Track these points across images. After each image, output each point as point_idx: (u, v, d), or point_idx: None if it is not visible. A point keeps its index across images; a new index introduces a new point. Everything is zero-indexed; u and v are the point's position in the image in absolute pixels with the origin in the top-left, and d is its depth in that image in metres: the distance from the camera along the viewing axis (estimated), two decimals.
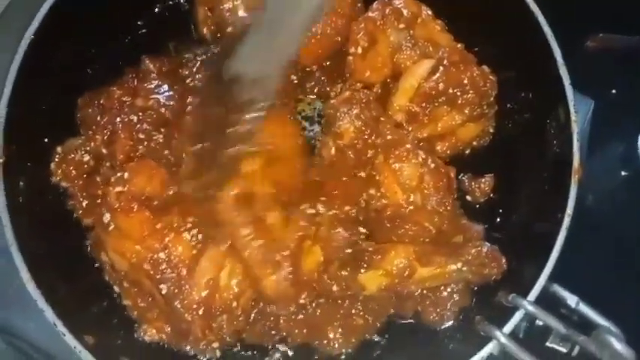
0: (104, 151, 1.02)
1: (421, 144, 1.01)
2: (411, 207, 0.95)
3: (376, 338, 1.01)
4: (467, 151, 1.09)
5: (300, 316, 0.99)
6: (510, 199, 1.08)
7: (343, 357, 1.00)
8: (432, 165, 0.97)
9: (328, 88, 1.11)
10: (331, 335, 0.98)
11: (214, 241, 0.91)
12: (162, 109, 1.02)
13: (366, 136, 0.96)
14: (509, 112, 1.09)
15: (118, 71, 1.08)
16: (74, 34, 1.05)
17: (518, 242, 1.00)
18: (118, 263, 0.94)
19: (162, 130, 1.01)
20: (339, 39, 1.05)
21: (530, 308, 0.88)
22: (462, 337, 0.97)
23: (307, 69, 1.11)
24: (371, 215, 0.98)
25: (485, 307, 0.97)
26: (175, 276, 0.90)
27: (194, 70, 1.06)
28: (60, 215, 1.02)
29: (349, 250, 0.93)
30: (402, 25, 1.04)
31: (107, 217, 0.92)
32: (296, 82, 1.10)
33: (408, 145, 0.97)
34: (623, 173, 1.26)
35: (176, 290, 0.90)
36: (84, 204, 1.02)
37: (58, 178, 1.02)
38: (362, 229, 0.97)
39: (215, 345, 0.96)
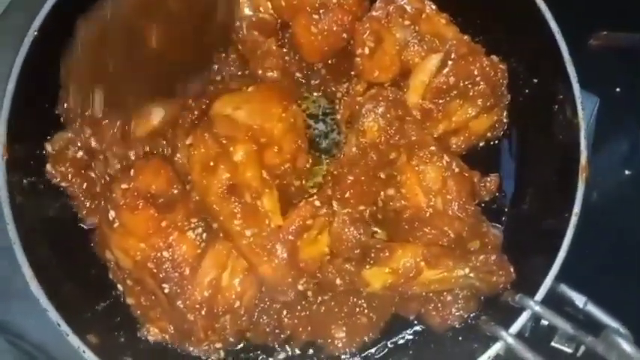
0: (93, 143, 1.00)
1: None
2: (431, 210, 0.94)
3: (380, 338, 1.01)
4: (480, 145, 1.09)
5: (304, 314, 0.98)
6: (516, 198, 1.07)
7: (347, 357, 1.00)
8: (456, 169, 0.96)
9: (334, 88, 1.10)
10: (335, 334, 0.98)
11: (217, 238, 0.91)
12: None
13: (389, 136, 0.95)
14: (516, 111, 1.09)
15: None
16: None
17: (524, 241, 1.00)
18: (122, 261, 0.93)
19: None
20: (345, 36, 1.04)
21: (538, 309, 0.87)
22: (468, 338, 0.96)
23: (312, 66, 1.09)
24: (389, 215, 0.97)
25: (491, 308, 0.96)
26: (178, 275, 0.90)
27: None
28: (63, 214, 1.02)
29: (357, 251, 0.93)
30: (406, 22, 1.03)
31: (112, 214, 0.91)
32: (303, 80, 1.10)
33: (433, 147, 0.96)
34: (626, 172, 1.26)
35: (179, 290, 0.91)
36: (87, 204, 1.01)
37: (57, 180, 1.01)
38: (378, 230, 0.97)
39: (218, 345, 0.96)
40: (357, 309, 0.98)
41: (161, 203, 0.91)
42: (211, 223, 0.92)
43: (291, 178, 0.97)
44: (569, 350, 0.87)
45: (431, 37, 1.02)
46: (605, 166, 1.24)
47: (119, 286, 0.98)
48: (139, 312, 0.97)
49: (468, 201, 0.96)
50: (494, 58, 1.02)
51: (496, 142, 1.09)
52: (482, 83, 0.99)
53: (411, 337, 1.02)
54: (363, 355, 1.01)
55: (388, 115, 0.95)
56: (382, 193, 0.97)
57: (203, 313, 0.90)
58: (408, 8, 1.04)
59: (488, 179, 1.05)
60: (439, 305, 0.96)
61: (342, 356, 1.00)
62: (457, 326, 0.97)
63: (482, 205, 1.04)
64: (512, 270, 0.94)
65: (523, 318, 0.89)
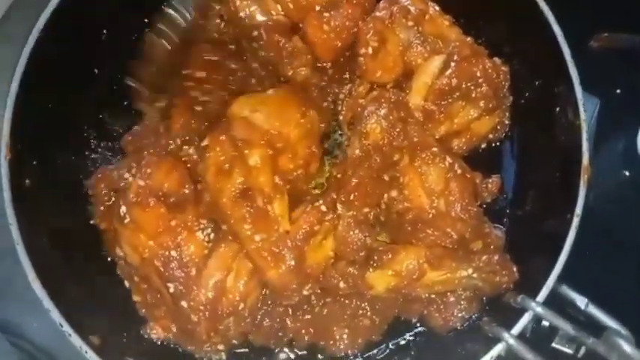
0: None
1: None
2: (434, 212, 0.94)
3: (382, 339, 1.01)
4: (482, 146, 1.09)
5: (307, 317, 0.99)
6: (518, 199, 1.08)
7: (350, 358, 1.00)
8: (459, 171, 0.96)
9: (336, 90, 1.09)
10: (337, 336, 0.98)
11: (223, 240, 0.91)
12: None
13: (392, 138, 0.95)
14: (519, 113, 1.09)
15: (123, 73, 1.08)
16: (81, 31, 1.05)
17: (526, 243, 1.00)
18: (131, 257, 0.94)
19: None
20: (356, 30, 1.03)
21: (539, 310, 0.88)
22: (470, 339, 0.96)
23: (319, 65, 1.08)
24: (392, 217, 0.97)
25: (493, 309, 0.97)
26: (184, 275, 0.90)
27: None
28: (66, 214, 1.01)
29: (362, 254, 0.93)
30: (410, 23, 1.03)
31: (123, 209, 0.92)
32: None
33: (435, 149, 0.96)
34: (627, 173, 1.26)
35: (184, 290, 0.91)
36: (101, 208, 1.01)
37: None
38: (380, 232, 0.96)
39: (220, 347, 0.96)
40: (360, 311, 0.98)
41: (172, 202, 0.91)
42: (220, 225, 0.92)
43: (302, 183, 0.97)
44: (570, 351, 0.88)
45: (434, 39, 1.03)
46: (605, 167, 1.24)
47: (126, 283, 0.99)
48: (143, 310, 0.98)
49: (471, 202, 0.95)
50: (497, 60, 1.03)
51: (498, 143, 1.10)
52: (484, 85, 0.99)
53: (412, 338, 1.02)
54: (364, 356, 1.01)
55: (391, 117, 0.95)
56: (385, 195, 0.97)
57: (207, 314, 0.90)
58: (412, 9, 1.04)
59: (490, 180, 1.05)
60: (442, 307, 0.97)
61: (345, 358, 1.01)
62: (459, 327, 0.98)
63: (484, 206, 1.04)
64: (515, 270, 0.94)
65: (524, 319, 0.89)
